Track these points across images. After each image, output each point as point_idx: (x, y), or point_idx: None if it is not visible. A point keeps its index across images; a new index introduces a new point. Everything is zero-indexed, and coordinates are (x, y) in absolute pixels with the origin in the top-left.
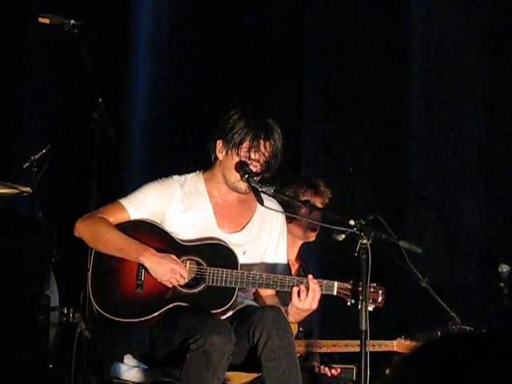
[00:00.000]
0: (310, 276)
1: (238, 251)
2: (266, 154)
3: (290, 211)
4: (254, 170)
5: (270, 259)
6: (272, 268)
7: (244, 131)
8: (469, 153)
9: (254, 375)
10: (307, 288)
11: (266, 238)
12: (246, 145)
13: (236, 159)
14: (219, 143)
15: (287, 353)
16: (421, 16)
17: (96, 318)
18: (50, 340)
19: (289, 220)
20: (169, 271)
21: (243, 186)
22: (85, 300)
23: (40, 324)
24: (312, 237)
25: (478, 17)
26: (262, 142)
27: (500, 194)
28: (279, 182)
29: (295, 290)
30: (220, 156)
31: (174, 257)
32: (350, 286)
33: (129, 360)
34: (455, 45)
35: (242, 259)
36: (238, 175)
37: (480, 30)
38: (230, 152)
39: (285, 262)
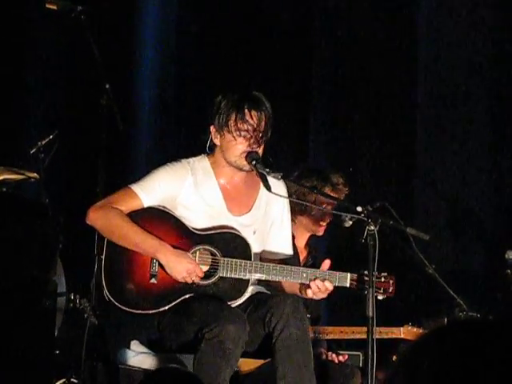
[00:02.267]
0: (325, 269)
1: (248, 231)
2: (255, 123)
3: (302, 200)
4: (247, 142)
5: (276, 234)
6: (277, 243)
7: (228, 107)
8: (476, 139)
9: (262, 361)
10: (320, 283)
11: (271, 213)
12: (232, 118)
13: (230, 137)
14: (212, 129)
15: (303, 342)
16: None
17: (109, 306)
18: (56, 326)
19: (300, 212)
20: (184, 271)
21: (245, 162)
22: (95, 286)
23: (47, 310)
24: (320, 231)
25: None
26: (247, 111)
27: (507, 181)
28: (296, 173)
29: (306, 287)
30: (217, 141)
31: (190, 255)
32: (362, 277)
33: (135, 346)
34: (464, 29)
35: (253, 239)
36: (237, 153)
37: (487, 15)
38: (222, 132)
39: (289, 236)
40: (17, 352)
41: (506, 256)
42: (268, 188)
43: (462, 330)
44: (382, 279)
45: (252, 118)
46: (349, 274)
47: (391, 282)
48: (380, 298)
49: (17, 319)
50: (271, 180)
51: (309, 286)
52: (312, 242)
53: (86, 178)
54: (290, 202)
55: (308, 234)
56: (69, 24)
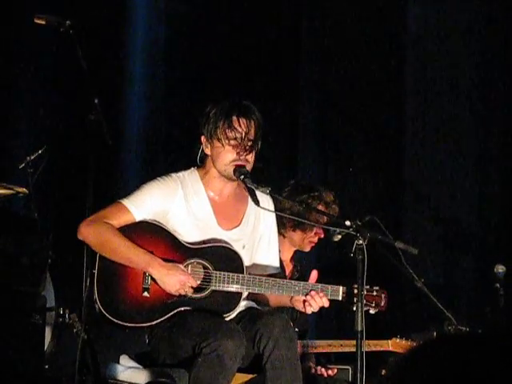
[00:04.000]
0: (313, 280)
1: (237, 246)
2: (243, 131)
3: (296, 216)
4: (236, 150)
5: (264, 249)
6: (266, 258)
7: (217, 115)
8: (464, 154)
9: (251, 376)
10: (313, 298)
11: (260, 228)
12: (221, 126)
13: (219, 145)
14: (203, 139)
15: (292, 363)
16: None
17: (99, 320)
18: (45, 340)
19: (292, 228)
20: (177, 283)
21: (233, 172)
22: (85, 300)
23: (36, 324)
24: (308, 248)
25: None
26: (235, 119)
27: (495, 196)
28: (288, 189)
29: (303, 301)
30: (207, 151)
31: (181, 267)
32: (355, 291)
33: (124, 360)
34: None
35: (243, 253)
36: (226, 161)
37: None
38: (212, 141)
39: (277, 251)
40: (6, 367)
41: (495, 270)
42: (256, 203)
43: (451, 344)
44: (374, 293)
45: (240, 126)
46: (341, 287)
47: (383, 296)
48: (372, 312)
49: (6, 334)
50: (259, 195)
51: (305, 301)
52: (299, 255)
53: (74, 192)
54: (284, 217)
55: (294, 249)
56: (57, 39)
